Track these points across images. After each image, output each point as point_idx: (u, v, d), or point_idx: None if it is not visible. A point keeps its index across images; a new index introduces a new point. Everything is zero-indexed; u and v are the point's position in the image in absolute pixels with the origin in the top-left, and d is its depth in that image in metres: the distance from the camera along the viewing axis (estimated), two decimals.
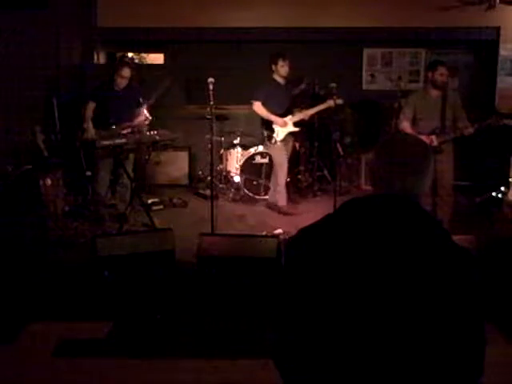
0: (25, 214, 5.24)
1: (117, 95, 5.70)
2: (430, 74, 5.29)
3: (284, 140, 6.37)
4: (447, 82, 5.28)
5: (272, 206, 6.47)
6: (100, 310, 4.06)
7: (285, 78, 6.21)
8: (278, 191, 6.40)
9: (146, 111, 5.95)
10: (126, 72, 5.69)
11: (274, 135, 6.28)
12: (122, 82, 5.70)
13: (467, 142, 5.45)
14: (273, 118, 6.22)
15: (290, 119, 6.32)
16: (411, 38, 7.68)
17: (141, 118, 5.83)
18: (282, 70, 6.08)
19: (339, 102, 6.10)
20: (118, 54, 7.92)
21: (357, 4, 7.22)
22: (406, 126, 5.32)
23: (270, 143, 6.35)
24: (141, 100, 5.87)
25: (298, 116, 6.39)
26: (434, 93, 5.27)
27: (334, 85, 6.16)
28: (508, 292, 3.92)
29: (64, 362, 3.50)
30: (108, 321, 3.95)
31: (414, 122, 5.33)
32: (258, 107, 6.22)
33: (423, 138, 5.11)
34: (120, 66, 5.78)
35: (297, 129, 6.37)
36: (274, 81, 6.19)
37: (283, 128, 6.28)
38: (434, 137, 5.19)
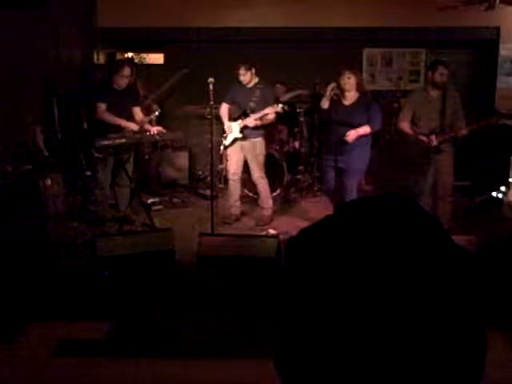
0: (25, 214, 5.24)
1: (117, 94, 5.66)
2: (429, 74, 5.30)
3: (235, 144, 5.89)
4: (447, 82, 5.28)
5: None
6: (100, 310, 4.06)
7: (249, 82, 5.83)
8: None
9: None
10: (127, 71, 5.65)
11: (224, 139, 5.97)
12: (122, 82, 5.66)
13: (467, 142, 5.45)
14: (225, 121, 5.88)
15: (238, 124, 5.81)
16: (411, 38, 7.68)
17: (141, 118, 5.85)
18: (242, 78, 5.74)
19: (278, 109, 5.78)
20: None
21: (357, 4, 7.23)
22: (404, 125, 5.31)
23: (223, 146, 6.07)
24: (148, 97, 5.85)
25: (243, 122, 5.80)
26: (434, 92, 5.27)
27: (333, 84, 6.15)
28: (508, 292, 3.93)
29: (64, 362, 3.50)
30: (108, 321, 3.95)
31: (414, 121, 5.33)
32: (221, 110, 5.90)
33: (423, 138, 5.12)
34: (121, 66, 5.75)
35: (240, 135, 5.80)
36: (239, 82, 5.81)
37: (230, 134, 5.85)
38: (433, 137, 5.18)
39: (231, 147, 5.91)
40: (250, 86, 5.79)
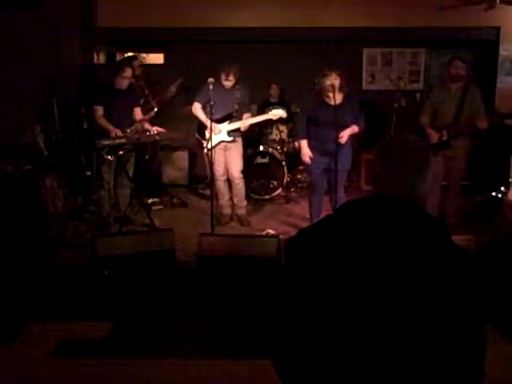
0: (25, 214, 5.24)
1: (118, 95, 5.59)
2: (447, 69, 5.41)
3: (219, 146, 5.76)
4: (465, 76, 5.30)
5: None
6: (100, 310, 4.06)
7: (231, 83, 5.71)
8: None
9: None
10: (128, 72, 5.61)
11: (205, 142, 5.79)
12: (123, 83, 5.62)
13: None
14: (209, 124, 5.59)
15: (225, 127, 5.74)
16: (411, 38, 7.68)
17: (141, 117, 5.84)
18: (228, 82, 5.62)
19: (282, 114, 5.83)
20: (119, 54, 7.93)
21: (357, 4, 7.23)
22: (423, 120, 5.36)
23: (202, 149, 5.94)
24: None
25: (235, 124, 5.74)
26: (453, 86, 5.32)
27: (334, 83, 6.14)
28: (508, 292, 3.92)
29: (63, 363, 3.50)
30: (108, 321, 3.95)
31: (432, 116, 5.35)
32: (196, 109, 5.78)
33: (434, 133, 5.14)
34: (122, 67, 5.71)
35: (230, 138, 5.75)
36: (220, 84, 5.58)
37: (216, 136, 5.69)
38: (445, 131, 5.19)
39: (215, 149, 5.71)
40: (228, 87, 5.69)
